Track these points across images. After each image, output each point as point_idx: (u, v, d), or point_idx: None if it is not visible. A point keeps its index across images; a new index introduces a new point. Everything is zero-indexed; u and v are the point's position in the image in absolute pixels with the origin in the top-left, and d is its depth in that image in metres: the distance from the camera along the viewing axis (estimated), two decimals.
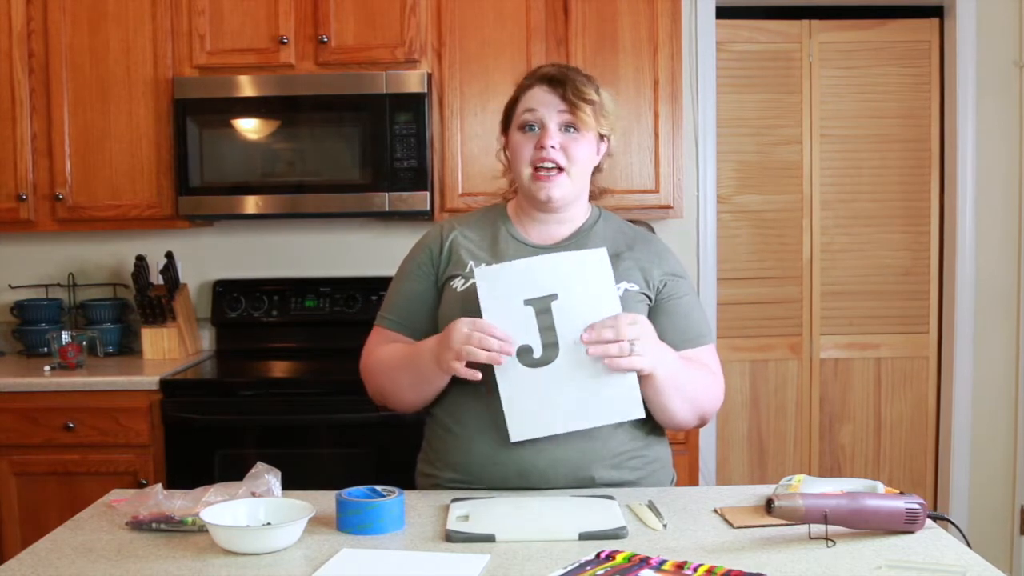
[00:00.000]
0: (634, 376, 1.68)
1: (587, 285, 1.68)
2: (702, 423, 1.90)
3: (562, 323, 1.66)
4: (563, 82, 1.82)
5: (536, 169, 1.82)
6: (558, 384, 1.67)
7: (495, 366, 1.66)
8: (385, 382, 1.87)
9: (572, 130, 1.83)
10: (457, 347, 1.66)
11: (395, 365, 1.84)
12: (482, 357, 1.65)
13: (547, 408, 1.69)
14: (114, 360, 3.39)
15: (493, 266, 1.73)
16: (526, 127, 1.84)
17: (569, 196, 1.85)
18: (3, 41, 3.25)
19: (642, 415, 1.70)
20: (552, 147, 1.80)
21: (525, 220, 1.91)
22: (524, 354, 1.67)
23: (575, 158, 1.83)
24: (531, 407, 1.69)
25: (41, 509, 2.98)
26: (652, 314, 1.83)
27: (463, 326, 1.67)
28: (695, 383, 1.79)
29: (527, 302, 1.67)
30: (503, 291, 1.68)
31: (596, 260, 1.69)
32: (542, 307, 1.67)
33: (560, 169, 1.82)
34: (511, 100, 1.90)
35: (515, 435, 1.69)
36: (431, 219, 3.29)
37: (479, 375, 1.67)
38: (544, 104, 1.82)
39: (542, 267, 1.69)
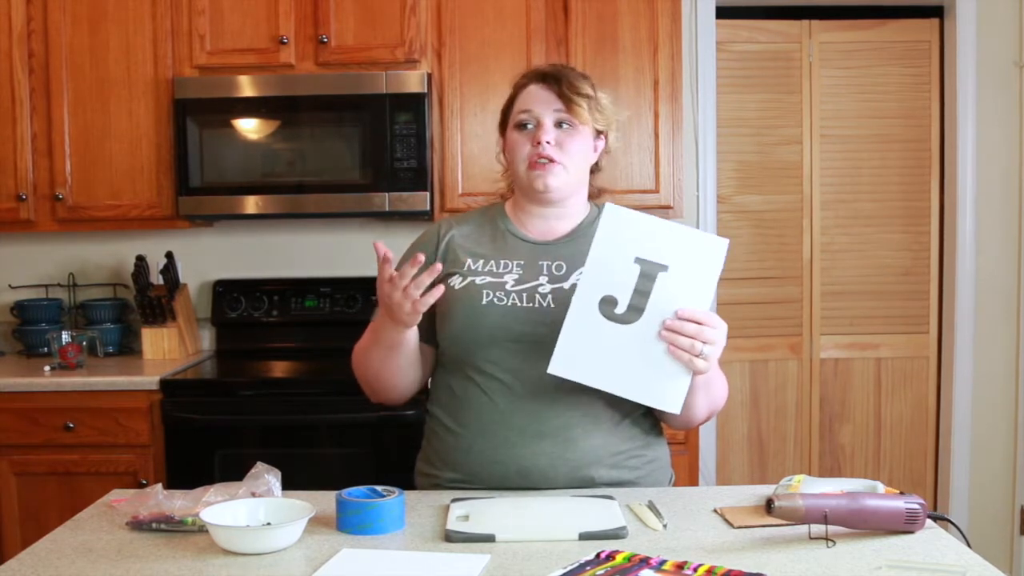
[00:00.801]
0: (689, 377, 1.65)
1: (698, 270, 1.64)
2: (707, 420, 1.90)
3: (658, 296, 1.63)
4: (558, 78, 1.83)
5: (531, 163, 1.82)
6: (621, 346, 1.64)
7: (573, 301, 1.64)
8: (365, 368, 1.88)
9: (567, 126, 1.83)
10: (394, 295, 1.64)
11: (367, 347, 1.85)
12: (414, 293, 1.63)
13: (598, 359, 1.65)
14: (114, 360, 3.39)
15: (627, 209, 1.68)
16: (522, 125, 1.84)
17: (565, 188, 1.85)
18: (3, 41, 3.25)
19: (678, 412, 1.67)
20: (548, 142, 1.81)
21: (523, 216, 1.91)
22: (606, 304, 1.63)
23: (570, 151, 1.83)
24: (584, 350, 1.64)
25: (41, 509, 2.98)
26: None
27: (381, 278, 1.65)
28: (716, 382, 1.80)
29: (638, 260, 1.63)
30: (623, 238, 1.64)
31: (717, 249, 1.65)
32: (649, 272, 1.63)
33: (555, 162, 1.82)
34: (507, 101, 1.91)
35: (555, 367, 1.64)
36: (431, 219, 3.29)
37: (419, 312, 1.66)
38: (539, 101, 1.83)
39: (668, 234, 1.65)
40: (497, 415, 1.75)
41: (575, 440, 1.75)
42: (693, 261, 1.64)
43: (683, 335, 1.61)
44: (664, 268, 1.63)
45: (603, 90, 1.91)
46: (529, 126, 1.83)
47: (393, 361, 1.81)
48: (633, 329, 1.64)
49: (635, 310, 1.63)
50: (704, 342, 1.61)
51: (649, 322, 1.63)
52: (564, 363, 1.65)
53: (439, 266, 1.66)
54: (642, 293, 1.63)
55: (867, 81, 3.83)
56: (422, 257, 1.64)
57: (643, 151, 3.30)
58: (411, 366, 1.83)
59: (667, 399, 1.66)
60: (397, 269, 1.67)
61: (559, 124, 1.83)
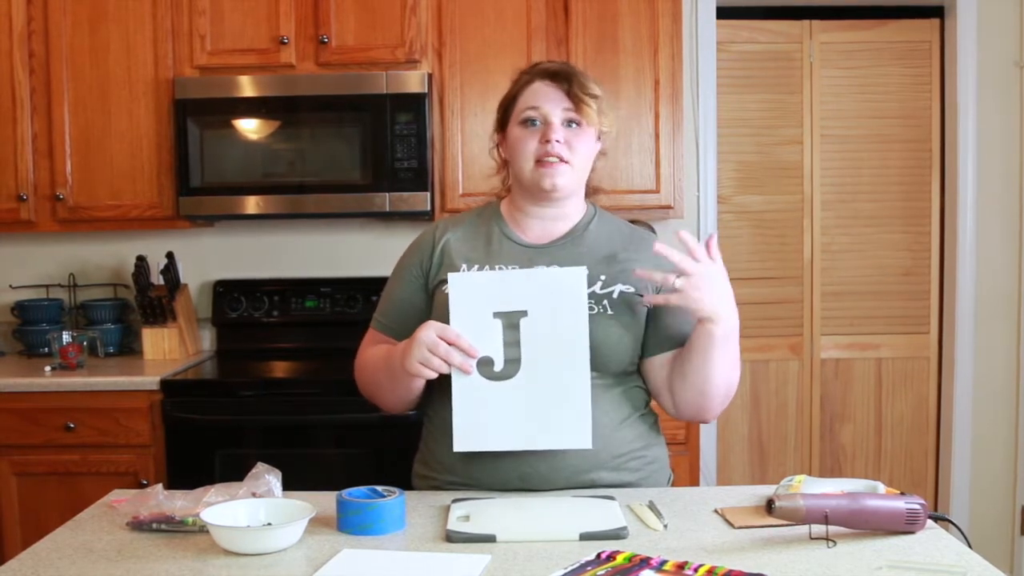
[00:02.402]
0: (587, 404, 1.66)
1: (560, 305, 1.66)
2: (712, 416, 1.88)
3: (528, 341, 1.65)
4: (567, 77, 1.81)
5: (539, 161, 1.81)
6: (512, 401, 1.66)
7: (452, 373, 1.66)
8: (369, 382, 1.88)
9: (575, 125, 1.82)
10: (422, 354, 1.65)
11: (375, 366, 1.84)
12: (444, 369, 1.65)
13: (496, 423, 1.68)
14: (115, 360, 3.39)
15: (468, 273, 1.73)
16: (528, 122, 1.82)
17: (570, 187, 1.84)
18: (4, 41, 3.25)
19: (589, 446, 1.68)
20: (557, 140, 1.79)
21: (520, 218, 1.89)
22: (484, 365, 1.67)
23: (578, 151, 1.82)
24: (481, 419, 1.68)
25: (41, 509, 2.98)
26: (651, 314, 1.82)
27: (430, 331, 1.66)
28: (734, 359, 1.81)
29: (496, 314, 1.66)
30: (474, 300, 1.67)
31: (573, 280, 1.67)
32: (511, 322, 1.66)
33: (564, 162, 1.81)
34: (508, 97, 1.88)
35: (459, 445, 1.68)
36: (431, 219, 3.29)
37: (434, 375, 1.67)
38: (548, 99, 1.81)
39: (517, 281, 1.68)
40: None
41: None
42: (553, 297, 1.66)
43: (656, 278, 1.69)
44: (524, 313, 1.66)
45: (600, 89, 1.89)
46: (536, 123, 1.82)
47: (401, 391, 1.80)
48: (517, 381, 1.67)
49: (512, 362, 1.66)
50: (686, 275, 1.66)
51: (529, 369, 1.66)
52: (466, 439, 1.68)
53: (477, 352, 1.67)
54: (513, 344, 1.66)
55: (867, 81, 3.83)
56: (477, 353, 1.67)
57: (643, 151, 3.30)
58: (420, 389, 1.81)
59: (574, 437, 1.68)
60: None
61: (567, 123, 1.81)
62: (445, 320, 1.70)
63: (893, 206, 3.86)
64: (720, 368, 1.77)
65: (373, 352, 1.88)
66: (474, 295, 1.67)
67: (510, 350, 1.66)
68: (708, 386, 1.78)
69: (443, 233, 1.91)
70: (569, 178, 1.82)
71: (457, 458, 1.78)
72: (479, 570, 1.38)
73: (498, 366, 1.67)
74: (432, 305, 1.84)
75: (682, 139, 3.33)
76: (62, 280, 3.62)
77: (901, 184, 3.86)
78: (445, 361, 1.65)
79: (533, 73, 1.85)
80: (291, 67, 3.25)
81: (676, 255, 1.68)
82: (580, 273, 1.68)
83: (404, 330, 1.83)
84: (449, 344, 1.65)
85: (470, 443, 1.69)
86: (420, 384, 1.76)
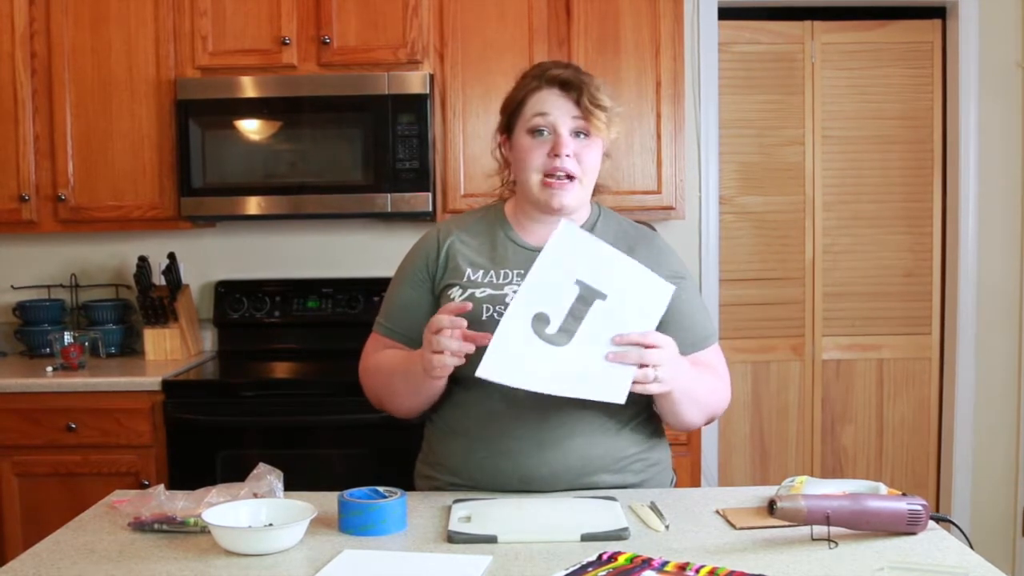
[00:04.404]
0: (631, 372, 1.61)
1: (637, 308, 1.62)
2: (709, 423, 1.89)
3: (591, 322, 1.60)
4: (578, 87, 1.76)
5: (547, 176, 1.78)
6: (551, 359, 1.61)
7: (510, 306, 1.61)
8: (381, 388, 1.86)
9: (583, 136, 1.79)
10: (434, 343, 1.62)
11: (391, 371, 1.82)
12: (454, 347, 1.61)
13: (531, 363, 1.60)
14: (116, 361, 3.39)
15: (582, 232, 1.67)
16: (536, 131, 1.79)
17: (578, 203, 1.82)
18: (5, 42, 3.26)
19: (622, 402, 1.62)
20: (567, 155, 1.76)
21: (524, 221, 1.88)
22: (539, 321, 1.60)
23: (588, 166, 1.79)
24: (514, 353, 1.60)
25: (43, 510, 2.98)
26: None
27: (440, 321, 1.63)
28: (706, 389, 1.78)
29: (578, 282, 1.61)
30: (571, 257, 1.61)
31: (662, 293, 1.63)
32: (586, 296, 1.61)
33: (572, 177, 1.78)
34: (514, 100, 1.84)
35: (483, 371, 1.58)
36: (433, 220, 3.29)
37: (451, 366, 1.64)
38: (557, 109, 1.77)
39: (618, 265, 1.63)
40: (498, 425, 1.74)
41: (578, 449, 1.74)
42: (634, 298, 1.62)
43: (627, 362, 1.59)
44: (603, 296, 1.61)
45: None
46: (544, 133, 1.78)
47: (419, 396, 1.79)
48: (562, 351, 1.60)
49: (565, 332, 1.60)
50: (652, 365, 1.60)
51: (577, 347, 1.60)
52: (494, 368, 1.59)
53: (468, 306, 1.65)
54: (576, 317, 1.60)
55: (869, 82, 3.82)
56: (469, 305, 1.65)
57: (645, 152, 3.30)
58: (440, 391, 1.80)
59: (611, 391, 1.60)
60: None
61: (575, 133, 1.78)
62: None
63: (894, 207, 3.86)
64: (689, 408, 1.76)
65: (384, 358, 1.85)
66: (572, 252, 1.62)
67: (570, 321, 1.60)
68: (686, 423, 1.80)
69: (447, 235, 1.89)
70: (577, 195, 1.80)
71: (459, 459, 1.78)
72: (480, 571, 1.38)
73: (552, 329, 1.60)
74: (438, 308, 1.82)
75: (684, 140, 3.33)
76: (64, 281, 3.62)
77: (902, 185, 3.86)
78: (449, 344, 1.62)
79: (542, 79, 1.80)
80: (293, 68, 3.25)
81: (633, 355, 1.61)
82: (669, 289, 1.64)
83: (409, 333, 1.84)
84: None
85: (497, 373, 1.59)
86: (441, 386, 1.75)
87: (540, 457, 1.73)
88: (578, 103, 1.76)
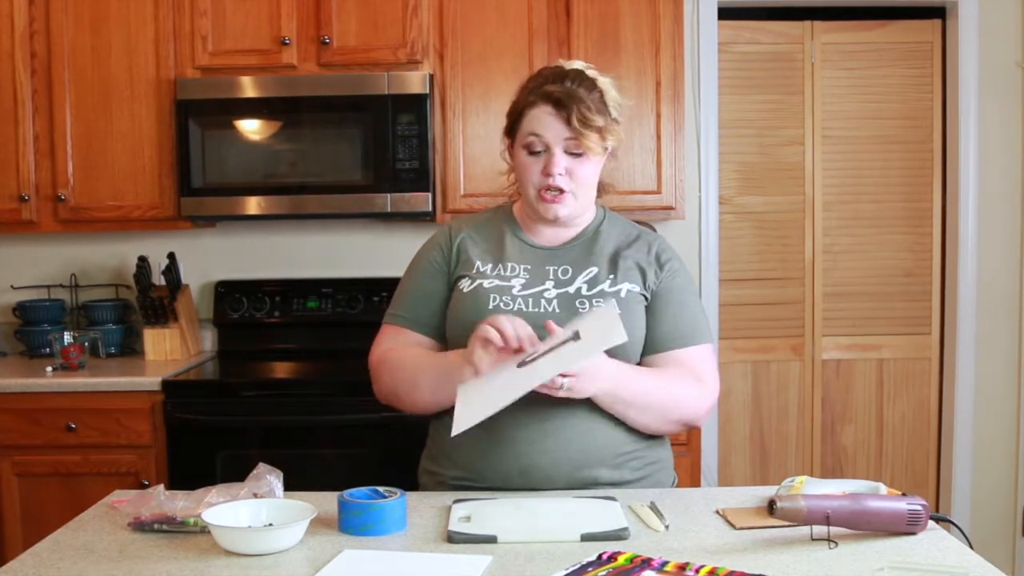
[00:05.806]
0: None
1: (592, 342, 1.64)
2: (686, 428, 1.89)
3: (555, 355, 1.63)
4: (567, 105, 1.78)
5: (542, 190, 1.82)
6: (508, 376, 1.65)
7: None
8: (403, 382, 1.86)
9: (576, 153, 1.81)
10: (483, 332, 1.66)
11: (416, 366, 1.84)
12: (496, 339, 1.65)
13: (492, 393, 1.64)
14: (116, 361, 3.39)
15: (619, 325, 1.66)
16: (531, 150, 1.82)
17: (574, 214, 1.88)
18: (5, 42, 3.25)
19: (625, 339, 1.62)
20: (559, 174, 1.80)
21: (531, 223, 1.93)
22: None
23: (581, 181, 1.83)
24: (478, 397, 1.64)
25: (43, 510, 2.98)
26: (646, 312, 1.85)
27: (501, 320, 1.67)
28: (663, 396, 1.78)
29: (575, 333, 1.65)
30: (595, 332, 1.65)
31: (614, 337, 1.63)
32: (564, 337, 1.65)
33: (566, 192, 1.82)
34: (514, 111, 1.87)
35: (455, 431, 1.61)
36: (433, 220, 3.29)
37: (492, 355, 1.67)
38: (549, 130, 1.80)
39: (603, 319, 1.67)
40: (501, 413, 1.75)
41: (577, 440, 1.76)
42: (595, 334, 1.64)
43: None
44: (576, 336, 1.64)
45: (607, 76, 1.86)
46: (538, 150, 1.82)
47: (444, 394, 1.79)
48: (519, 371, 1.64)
49: (532, 358, 1.65)
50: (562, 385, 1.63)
51: (533, 367, 1.63)
52: (464, 422, 1.61)
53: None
54: (549, 349, 1.65)
55: (869, 82, 3.82)
56: (553, 325, 1.68)
57: (645, 152, 3.30)
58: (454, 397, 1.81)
59: (611, 335, 1.62)
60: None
61: (568, 150, 1.81)
62: (459, 315, 1.78)
63: (894, 207, 3.86)
64: (635, 415, 1.78)
65: (411, 353, 1.87)
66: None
67: (542, 351, 1.65)
68: (641, 428, 1.81)
69: (458, 232, 1.95)
70: (572, 207, 1.85)
71: (463, 449, 1.79)
72: (480, 571, 1.38)
73: (528, 357, 1.64)
74: (451, 300, 1.88)
75: (684, 140, 3.33)
76: (63, 281, 3.62)
77: (902, 185, 3.86)
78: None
79: (537, 93, 1.82)
80: (293, 68, 3.25)
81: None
82: (622, 337, 1.62)
83: (427, 322, 1.89)
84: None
85: (468, 421, 1.61)
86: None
87: (540, 446, 1.75)
88: (568, 122, 1.78)
